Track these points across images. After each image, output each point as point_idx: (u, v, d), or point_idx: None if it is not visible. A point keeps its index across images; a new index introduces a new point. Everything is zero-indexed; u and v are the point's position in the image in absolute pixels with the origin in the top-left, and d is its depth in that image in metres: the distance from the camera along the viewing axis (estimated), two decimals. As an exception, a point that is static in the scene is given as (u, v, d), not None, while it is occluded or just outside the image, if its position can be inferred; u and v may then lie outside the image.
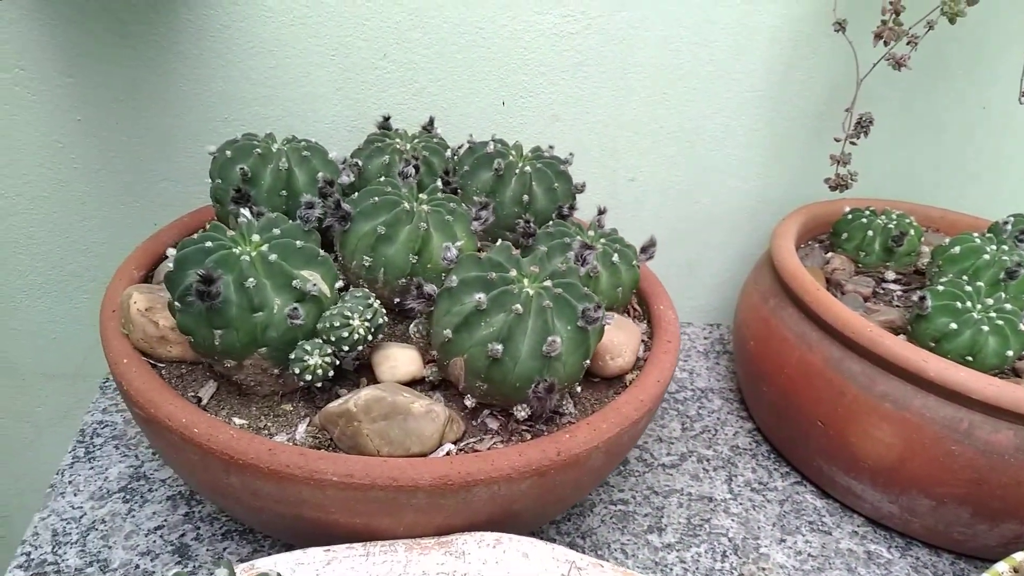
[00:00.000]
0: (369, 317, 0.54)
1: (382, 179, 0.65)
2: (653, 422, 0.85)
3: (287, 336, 0.52)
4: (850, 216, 0.87)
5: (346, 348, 0.53)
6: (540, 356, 0.52)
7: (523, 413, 0.54)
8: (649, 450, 0.80)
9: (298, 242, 0.53)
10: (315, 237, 0.57)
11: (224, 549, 0.62)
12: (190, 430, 0.50)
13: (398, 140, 0.75)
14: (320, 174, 0.66)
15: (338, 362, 0.53)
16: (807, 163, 0.97)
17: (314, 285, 0.52)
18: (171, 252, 0.53)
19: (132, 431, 0.74)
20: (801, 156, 0.97)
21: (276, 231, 0.54)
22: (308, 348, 0.52)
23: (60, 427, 0.98)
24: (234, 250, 0.51)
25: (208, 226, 0.55)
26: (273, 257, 0.51)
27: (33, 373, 0.95)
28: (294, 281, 0.51)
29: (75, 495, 0.66)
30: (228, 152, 0.66)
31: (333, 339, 0.52)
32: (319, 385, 0.53)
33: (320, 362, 0.52)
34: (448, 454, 0.53)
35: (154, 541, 0.62)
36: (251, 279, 0.50)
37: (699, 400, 0.89)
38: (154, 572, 0.59)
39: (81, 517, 0.64)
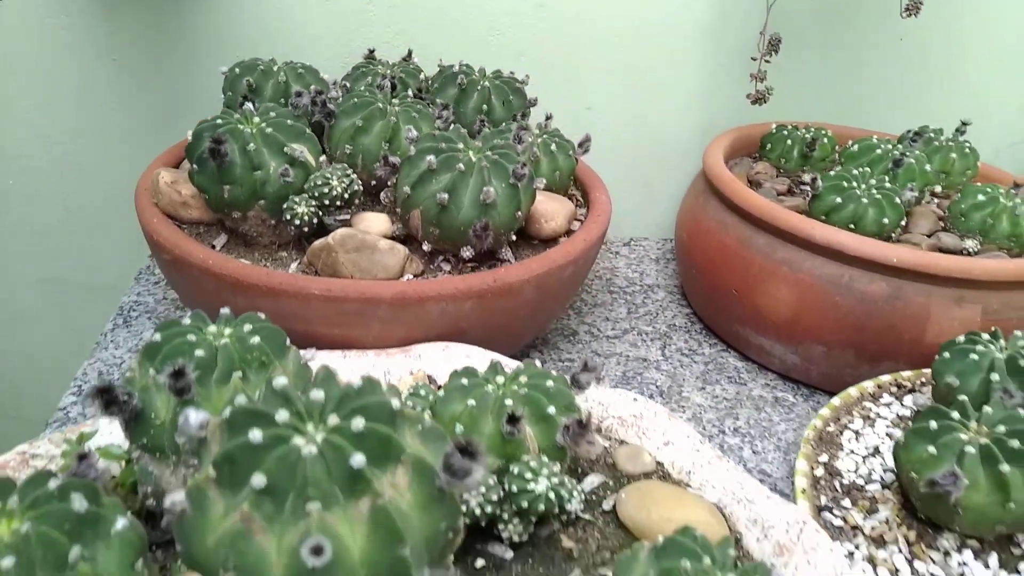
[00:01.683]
0: (346, 183, 0.68)
1: (362, 88, 0.80)
2: (602, 308, 0.98)
3: (281, 192, 0.67)
4: (774, 131, 1.01)
5: (327, 202, 0.67)
6: (479, 204, 0.66)
7: (468, 253, 0.69)
8: (596, 327, 0.94)
9: (289, 121, 0.68)
10: (304, 121, 0.72)
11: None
12: (207, 263, 0.65)
13: (380, 66, 0.90)
14: (312, 86, 0.81)
15: (321, 213, 0.68)
16: (746, 91, 1.10)
17: (301, 152, 0.67)
18: (190, 133, 0.68)
19: (161, 308, 0.89)
20: (741, 86, 1.10)
21: (272, 114, 0.69)
22: (297, 200, 0.66)
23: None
24: (239, 125, 0.66)
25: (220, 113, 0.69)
26: (269, 130, 0.66)
27: (78, 284, 1.11)
28: (285, 148, 0.66)
29: (116, 349, 0.81)
30: (236, 69, 0.81)
31: (317, 195, 0.67)
32: (306, 230, 0.67)
33: (306, 210, 0.66)
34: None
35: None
36: (251, 144, 0.65)
37: (645, 293, 1.03)
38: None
39: (121, 363, 0.79)
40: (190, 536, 0.33)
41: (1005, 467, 0.51)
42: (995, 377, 0.60)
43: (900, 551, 0.54)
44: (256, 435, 0.33)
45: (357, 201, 0.71)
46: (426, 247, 0.70)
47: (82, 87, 0.98)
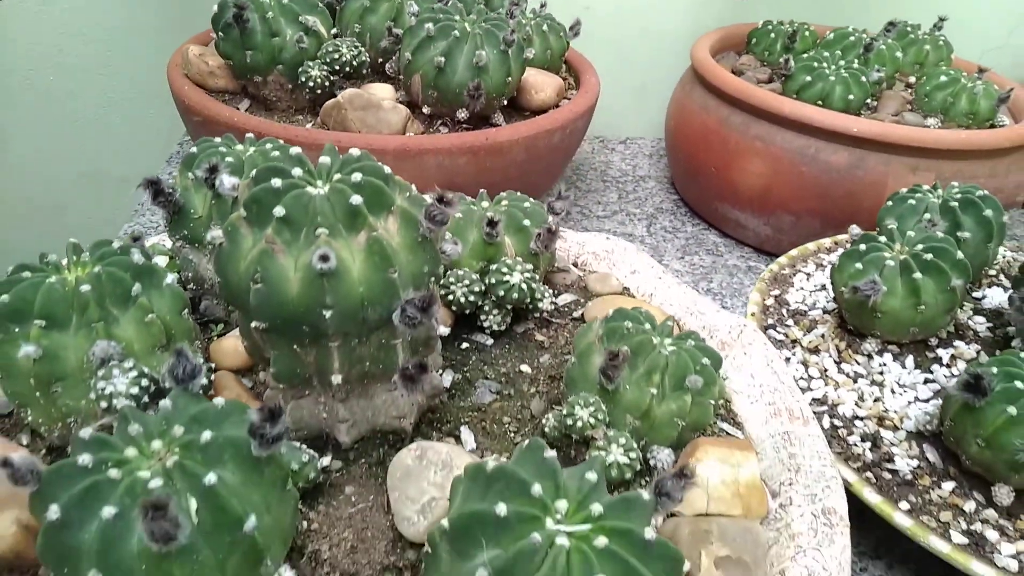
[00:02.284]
0: (355, 51, 0.76)
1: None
2: (595, 194, 1.06)
3: (297, 58, 0.75)
4: (760, 26, 1.07)
5: (337, 68, 0.75)
6: (472, 67, 0.74)
7: (463, 115, 0.77)
8: (588, 208, 1.02)
9: (305, -6, 0.76)
10: (317, -4, 0.79)
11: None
12: (233, 119, 0.73)
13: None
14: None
15: (333, 79, 0.76)
16: (735, -8, 1.16)
17: (314, 23, 0.75)
18: (216, 5, 0.76)
19: (192, 184, 0.98)
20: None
21: (288, -11, 0.76)
22: (311, 65, 0.74)
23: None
24: (260, -4, 0.74)
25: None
26: (285, 1, 0.74)
27: (111, 176, 1.20)
28: (300, 17, 0.74)
29: (152, 216, 0.91)
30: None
31: (328, 60, 0.75)
32: (319, 93, 0.76)
33: (319, 74, 0.74)
34: (410, 141, 0.75)
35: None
36: (270, 12, 0.73)
37: (636, 182, 1.11)
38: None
39: (157, 227, 0.89)
40: (226, 265, 0.42)
41: (917, 275, 0.59)
42: (927, 216, 0.67)
43: (830, 356, 0.63)
44: (276, 182, 0.41)
45: (364, 72, 0.79)
46: (426, 110, 0.78)
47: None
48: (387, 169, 0.44)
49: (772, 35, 1.04)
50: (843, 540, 0.43)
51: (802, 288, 0.72)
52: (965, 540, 0.49)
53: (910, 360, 0.62)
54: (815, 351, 0.64)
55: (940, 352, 0.62)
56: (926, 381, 0.60)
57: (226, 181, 0.44)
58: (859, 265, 0.61)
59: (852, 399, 0.58)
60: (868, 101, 0.92)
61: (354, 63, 0.76)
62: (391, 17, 0.82)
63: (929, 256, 0.59)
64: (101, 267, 0.45)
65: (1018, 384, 0.49)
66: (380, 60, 0.83)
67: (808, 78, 0.88)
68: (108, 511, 0.32)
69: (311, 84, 0.75)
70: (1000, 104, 0.89)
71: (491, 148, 0.75)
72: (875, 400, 0.58)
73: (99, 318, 0.43)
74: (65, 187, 1.20)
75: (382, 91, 0.79)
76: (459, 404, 0.51)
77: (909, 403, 0.58)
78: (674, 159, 1.06)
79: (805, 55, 0.91)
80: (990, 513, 0.50)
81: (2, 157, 1.15)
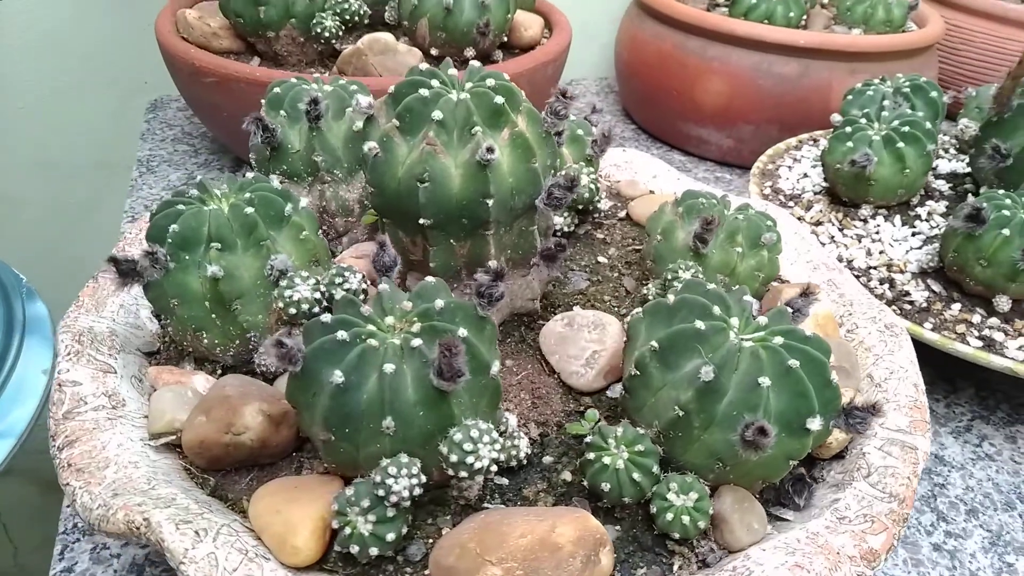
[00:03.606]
0: (359, 3, 0.80)
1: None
2: (562, 129, 1.13)
3: (308, 10, 0.77)
4: (689, -39, 1.16)
5: (347, 17, 0.79)
6: (478, 6, 0.79)
7: (471, 53, 0.82)
8: (561, 141, 1.09)
9: (303, -51, 0.78)
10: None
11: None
12: (254, 75, 0.75)
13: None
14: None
15: (345, 28, 0.79)
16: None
17: (319, -25, 0.78)
18: (213, -32, 0.77)
19: (176, 156, 0.97)
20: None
21: (285, -55, 0.78)
22: (324, 14, 0.77)
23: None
24: (262, -47, 0.76)
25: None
26: (289, -44, 0.76)
27: (76, 164, 1.16)
28: (306, -30, 0.76)
29: (150, 190, 0.90)
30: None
31: (338, 11, 0.78)
32: (334, 43, 0.79)
33: (332, 24, 0.77)
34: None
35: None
36: (279, -33, 0.75)
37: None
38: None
39: (159, 199, 0.88)
40: (383, 173, 0.47)
41: (901, 144, 0.70)
42: (886, 102, 0.79)
43: (833, 225, 0.74)
44: (425, 92, 0.46)
45: (366, 21, 0.83)
46: (434, 52, 0.82)
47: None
48: (506, 75, 0.50)
49: (703, -31, 1.14)
50: (908, 344, 0.54)
51: (788, 178, 0.83)
52: (980, 343, 0.60)
53: (897, 219, 0.73)
54: (818, 224, 0.74)
55: (919, 211, 0.74)
56: (913, 234, 0.72)
57: (362, 100, 0.49)
58: (850, 144, 0.72)
59: (862, 255, 0.69)
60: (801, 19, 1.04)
61: (360, 12, 0.80)
62: (377, -32, 0.85)
63: (907, 128, 0.71)
64: (251, 192, 0.48)
65: (1005, 212, 0.61)
66: (373, 10, 0.86)
67: (753, 1, 0.98)
68: (389, 367, 0.37)
69: (326, 35, 0.77)
70: (910, 11, 1.03)
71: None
72: (880, 252, 0.69)
73: (265, 237, 0.47)
74: (21, 180, 1.15)
75: (386, 36, 0.83)
76: (563, 291, 0.58)
77: (907, 251, 0.69)
78: (629, 90, 1.15)
79: (745, -19, 1.01)
80: (994, 321, 0.62)
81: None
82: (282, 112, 0.56)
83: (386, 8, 0.85)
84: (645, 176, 0.76)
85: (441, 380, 0.36)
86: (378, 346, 0.38)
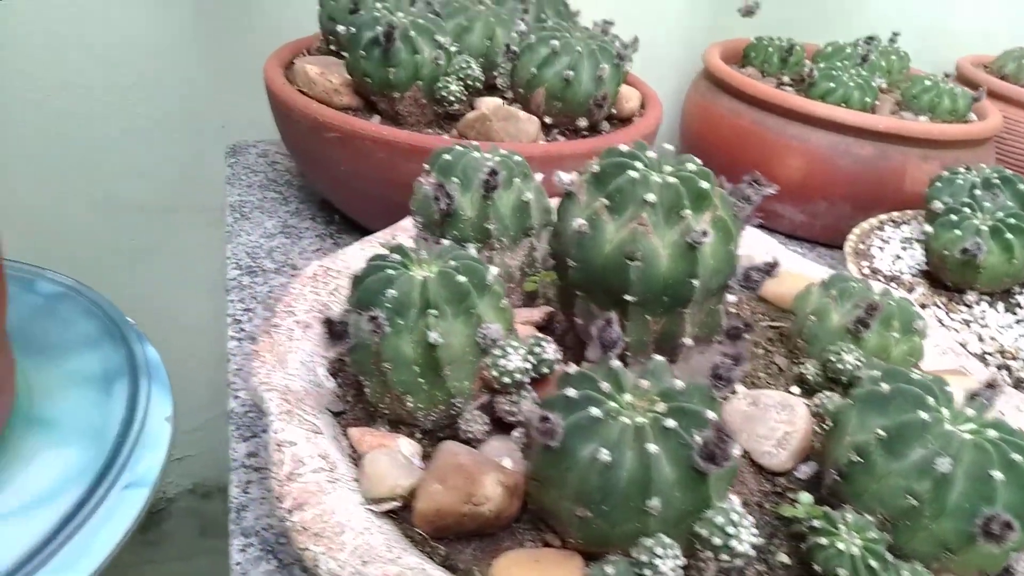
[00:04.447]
0: (476, 68, 0.82)
1: None
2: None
3: (433, 73, 0.79)
4: (755, 41, 1.22)
5: (469, 83, 0.81)
6: (595, 79, 0.82)
7: (583, 123, 0.84)
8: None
9: (430, 14, 0.80)
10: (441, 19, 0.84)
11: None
12: (381, 134, 0.77)
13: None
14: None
15: (468, 93, 0.81)
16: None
17: (447, 42, 0.80)
18: (341, 28, 0.79)
19: (267, 203, 0.98)
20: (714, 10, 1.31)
21: (415, 8, 0.81)
22: (450, 80, 0.79)
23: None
24: (396, 16, 0.78)
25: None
26: (421, 21, 0.79)
27: (164, 206, 1.16)
28: (435, 36, 0.79)
29: (248, 236, 0.91)
30: (338, -19, 0.91)
31: (461, 76, 0.80)
32: (456, 106, 0.80)
33: (457, 88, 0.80)
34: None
35: (315, 250, 0.88)
36: (412, 32, 0.77)
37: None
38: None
39: (259, 246, 0.89)
40: (589, 249, 0.48)
41: (1009, 235, 0.73)
42: (977, 192, 0.83)
43: (939, 309, 0.76)
44: (635, 173, 0.48)
45: (480, 87, 0.85)
46: (547, 120, 0.84)
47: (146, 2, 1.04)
48: (699, 161, 0.52)
49: (768, 49, 1.19)
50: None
51: (882, 258, 0.86)
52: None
53: (1000, 306, 0.76)
54: (923, 307, 0.77)
55: (1019, 298, 0.77)
56: (1017, 321, 0.75)
57: (563, 177, 0.50)
58: (957, 232, 0.75)
59: (974, 339, 0.72)
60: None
61: (481, 77, 0.82)
62: (487, 36, 0.88)
63: (1012, 220, 0.74)
64: (456, 260, 0.49)
65: None
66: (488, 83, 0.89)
67: (831, 84, 1.03)
68: (653, 448, 0.38)
69: (451, 98, 0.79)
70: (973, 103, 1.08)
71: (612, 152, 0.83)
72: (991, 338, 0.72)
73: (475, 305, 0.48)
74: (104, 219, 1.14)
75: (493, 102, 0.85)
76: (717, 365, 0.59)
77: (1016, 338, 0.72)
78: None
79: (822, 65, 1.06)
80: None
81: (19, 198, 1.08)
82: (454, 179, 0.58)
83: (497, 75, 0.88)
84: (760, 252, 0.78)
85: (709, 463, 0.37)
86: (630, 424, 0.39)
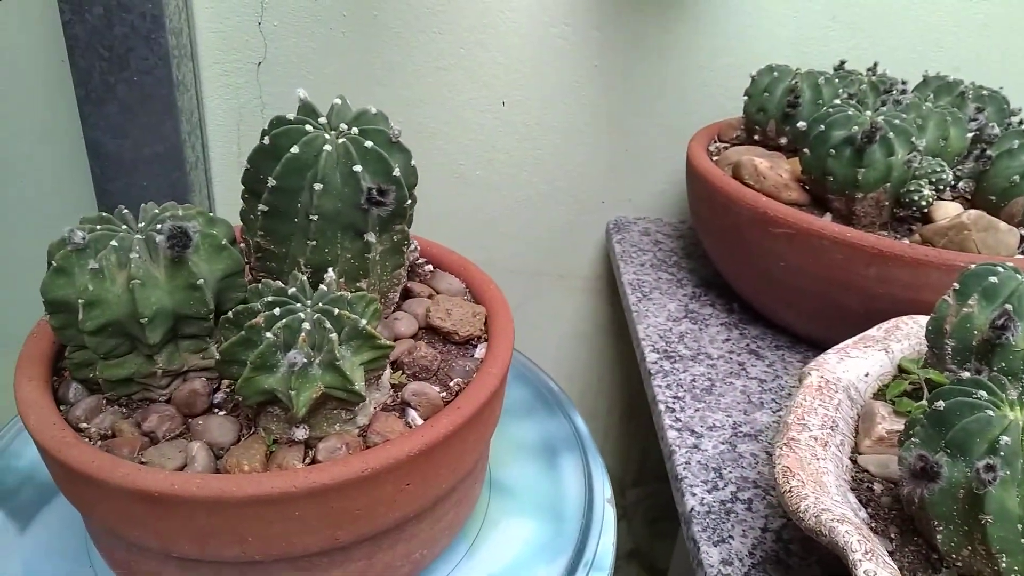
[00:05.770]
0: (949, 172, 0.76)
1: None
2: None
3: (902, 175, 0.75)
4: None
5: (940, 187, 0.75)
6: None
7: (1070, 240, 0.75)
8: None
9: (902, 115, 0.76)
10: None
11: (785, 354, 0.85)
12: (844, 235, 0.73)
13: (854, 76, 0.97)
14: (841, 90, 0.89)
15: (938, 197, 0.76)
16: None
17: (921, 144, 0.75)
18: (801, 124, 0.77)
19: (663, 284, 0.99)
20: None
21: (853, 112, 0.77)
22: (922, 184, 0.74)
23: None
24: (865, 115, 0.75)
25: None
26: (898, 122, 0.74)
27: (533, 271, 1.23)
28: (911, 139, 0.74)
29: (655, 318, 0.91)
30: (775, 73, 0.90)
31: (933, 180, 0.75)
32: (926, 210, 0.75)
33: (930, 193, 0.74)
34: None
35: (724, 340, 0.86)
36: (891, 133, 0.73)
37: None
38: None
39: (667, 328, 0.89)
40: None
41: None
42: None
43: None
44: None
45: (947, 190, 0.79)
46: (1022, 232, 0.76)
47: (561, 87, 1.10)
48: None
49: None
50: None
51: None
52: None
53: None
54: None
55: None
56: None
57: None
58: None
59: None
60: None
61: (951, 183, 0.76)
62: (943, 136, 0.82)
63: None
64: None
65: None
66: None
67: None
68: None
69: (922, 203, 0.74)
70: None
71: None
72: None
73: None
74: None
75: (953, 209, 0.78)
76: None
77: None
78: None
79: None
80: None
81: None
82: (1008, 305, 0.52)
83: (960, 179, 0.81)
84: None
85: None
86: None
